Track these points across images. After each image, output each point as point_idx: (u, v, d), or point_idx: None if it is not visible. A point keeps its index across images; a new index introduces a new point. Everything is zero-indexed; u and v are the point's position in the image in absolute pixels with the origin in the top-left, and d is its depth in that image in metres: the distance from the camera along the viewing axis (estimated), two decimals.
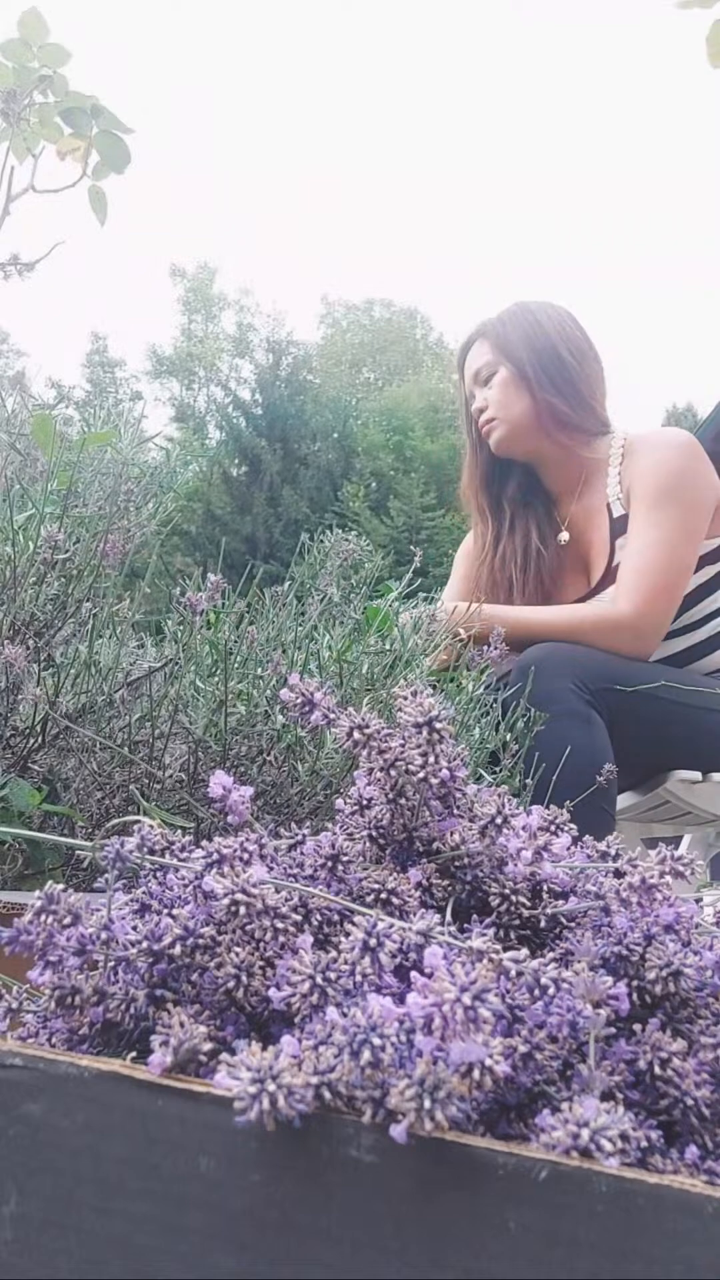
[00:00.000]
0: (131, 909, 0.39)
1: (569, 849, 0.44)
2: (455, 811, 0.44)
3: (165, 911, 0.38)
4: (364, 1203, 0.27)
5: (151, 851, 0.41)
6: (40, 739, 0.87)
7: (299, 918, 0.38)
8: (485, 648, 1.20)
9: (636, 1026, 0.36)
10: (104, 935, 0.37)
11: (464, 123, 46.79)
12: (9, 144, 1.24)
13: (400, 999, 0.32)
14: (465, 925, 0.41)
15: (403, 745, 0.43)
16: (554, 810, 0.46)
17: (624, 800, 1.53)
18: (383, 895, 0.40)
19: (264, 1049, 0.29)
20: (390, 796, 0.44)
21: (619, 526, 1.45)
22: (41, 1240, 0.29)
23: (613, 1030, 0.35)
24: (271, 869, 0.40)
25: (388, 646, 0.94)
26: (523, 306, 1.52)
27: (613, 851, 0.44)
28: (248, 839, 0.37)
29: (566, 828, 0.45)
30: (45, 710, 0.85)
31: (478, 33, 46.78)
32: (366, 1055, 0.29)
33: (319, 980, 0.33)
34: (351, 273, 44.28)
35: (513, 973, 0.33)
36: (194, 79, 44.98)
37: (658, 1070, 0.34)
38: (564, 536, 1.54)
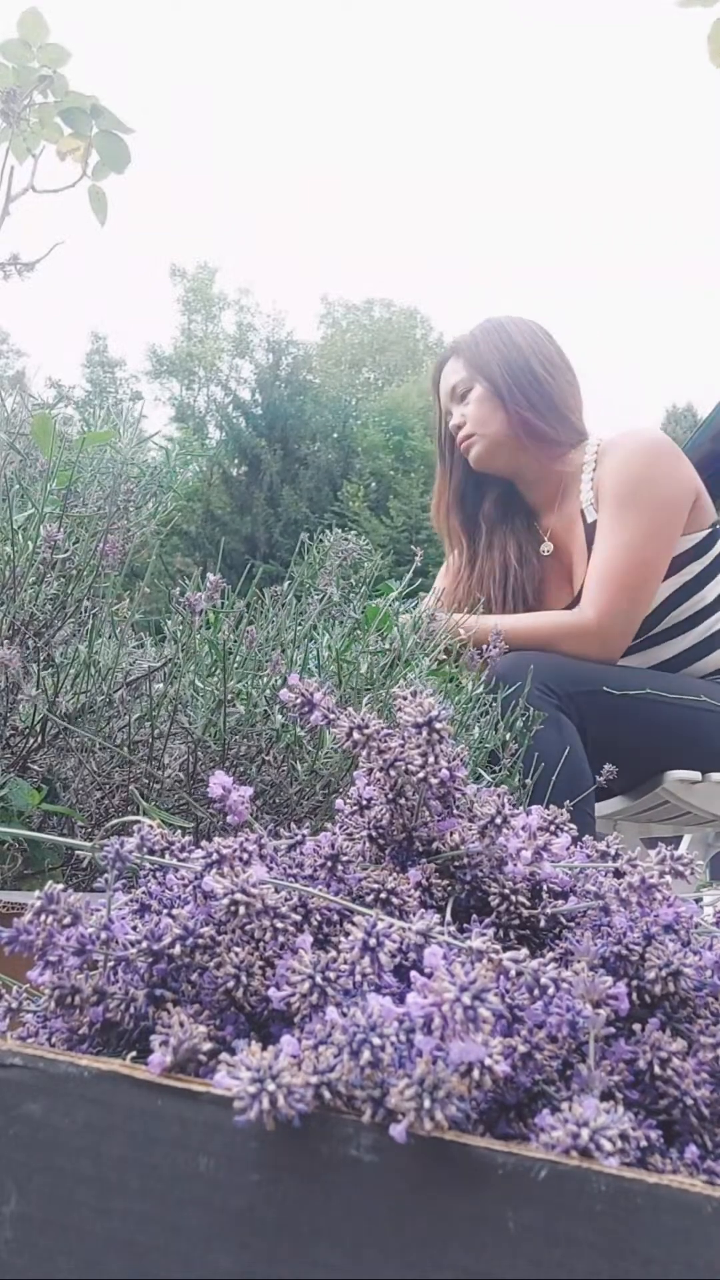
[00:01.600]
0: (131, 909, 0.39)
1: (568, 849, 0.44)
2: (455, 811, 0.44)
3: (165, 911, 0.38)
4: (364, 1203, 0.27)
5: (151, 851, 0.41)
6: (40, 739, 0.87)
7: (299, 918, 0.38)
8: (485, 648, 1.20)
9: (636, 1026, 0.36)
10: (104, 935, 0.37)
11: (464, 122, 46.82)
12: (9, 144, 1.25)
13: (400, 999, 0.32)
14: (465, 925, 0.41)
15: (402, 745, 0.43)
16: (553, 810, 0.46)
17: (621, 802, 1.53)
18: (382, 895, 0.40)
19: (264, 1049, 0.30)
20: (390, 796, 0.44)
21: (592, 532, 1.45)
22: (41, 1240, 0.29)
23: (612, 1030, 0.35)
24: (271, 869, 0.40)
25: (387, 646, 0.94)
26: (495, 322, 1.53)
27: (612, 851, 0.44)
28: (247, 839, 0.37)
29: (566, 828, 0.45)
30: (45, 710, 0.85)
31: (478, 32, 46.81)
32: (366, 1055, 0.29)
33: (319, 980, 0.33)
34: (351, 273, 44.29)
35: (512, 972, 0.33)
36: (194, 79, 44.99)
37: (657, 1070, 0.34)
38: (547, 548, 1.54)
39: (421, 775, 0.42)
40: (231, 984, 0.36)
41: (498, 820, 0.42)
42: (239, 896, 0.35)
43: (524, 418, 1.47)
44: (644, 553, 1.38)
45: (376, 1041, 0.29)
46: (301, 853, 0.42)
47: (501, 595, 1.54)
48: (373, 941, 0.34)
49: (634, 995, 0.37)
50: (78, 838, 0.85)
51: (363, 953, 0.34)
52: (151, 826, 0.41)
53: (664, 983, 0.37)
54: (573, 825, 0.46)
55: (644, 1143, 0.30)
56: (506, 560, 1.54)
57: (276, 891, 0.37)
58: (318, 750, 0.86)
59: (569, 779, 1.19)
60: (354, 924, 0.35)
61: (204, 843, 0.37)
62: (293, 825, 0.46)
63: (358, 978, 0.34)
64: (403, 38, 45.55)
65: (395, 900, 0.40)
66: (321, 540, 1.10)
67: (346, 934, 0.36)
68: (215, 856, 0.36)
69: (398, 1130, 0.27)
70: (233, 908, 0.35)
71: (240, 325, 22.39)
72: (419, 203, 45.10)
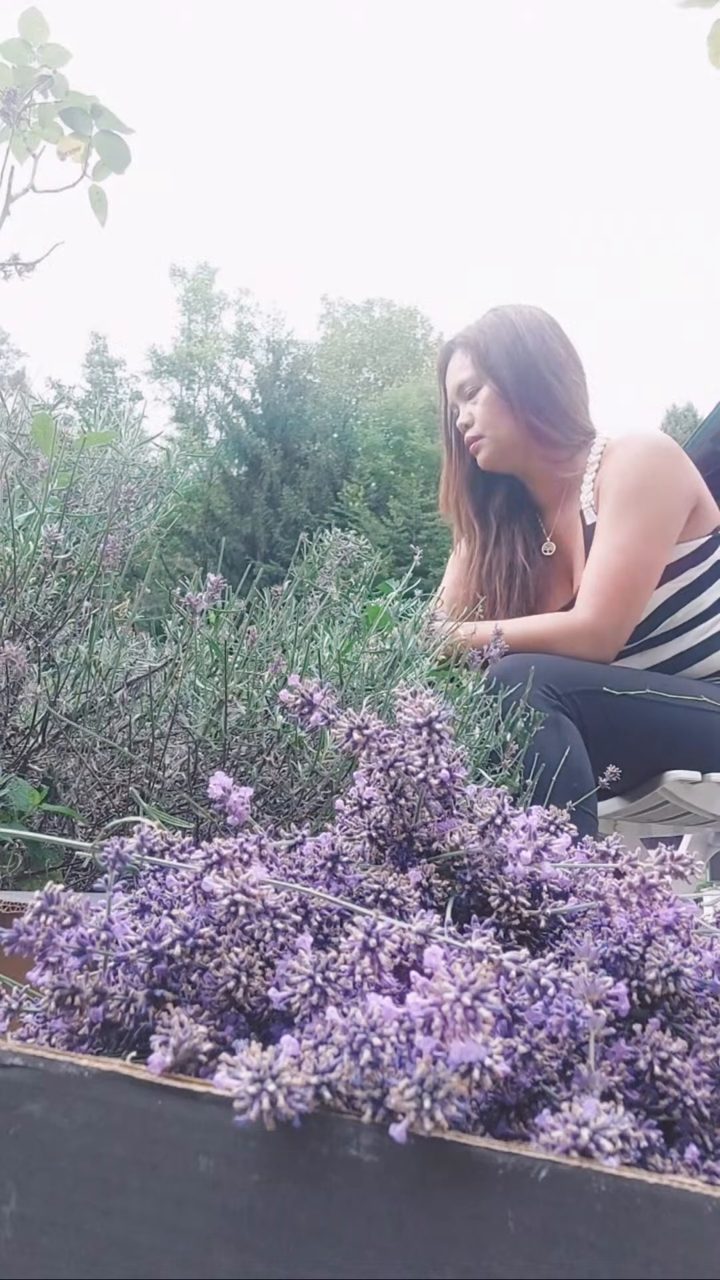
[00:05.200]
0: (131, 909, 0.39)
1: (568, 849, 0.44)
2: (455, 812, 0.44)
3: (165, 912, 0.38)
4: (364, 1203, 0.27)
5: (151, 852, 0.41)
6: (40, 739, 0.87)
7: (299, 918, 0.38)
8: (485, 649, 1.20)
9: (636, 1026, 0.36)
10: (104, 935, 0.37)
11: (464, 122, 46.82)
12: (9, 144, 1.24)
13: (400, 999, 0.32)
14: (465, 925, 0.41)
15: (402, 746, 0.43)
16: (554, 810, 0.46)
17: (621, 802, 1.53)
18: (382, 895, 0.40)
19: (264, 1049, 0.30)
20: (390, 797, 0.44)
21: (591, 533, 1.45)
22: (41, 1240, 0.29)
23: (612, 1030, 0.35)
24: (271, 869, 0.40)
25: (388, 646, 0.94)
26: (502, 316, 1.50)
27: (612, 851, 0.44)
28: (247, 839, 0.37)
29: (566, 828, 0.45)
30: (45, 710, 0.85)
31: (478, 31, 46.81)
32: (366, 1055, 0.29)
33: (319, 980, 0.33)
34: (351, 273, 44.25)
35: (512, 973, 0.33)
36: (194, 79, 44.98)
37: (658, 1070, 0.34)
38: (550, 547, 1.55)
39: (421, 776, 0.42)
40: (231, 984, 0.36)
41: (498, 821, 0.42)
42: (239, 897, 0.35)
43: (532, 423, 1.46)
44: (639, 556, 1.38)
45: (376, 1041, 0.29)
46: (301, 853, 0.42)
47: (506, 592, 1.54)
48: (373, 942, 0.34)
49: (634, 995, 0.37)
50: (78, 838, 0.85)
51: (363, 953, 0.34)
52: (152, 827, 0.41)
53: (664, 983, 0.37)
54: (573, 825, 0.46)
55: (644, 1143, 0.30)
56: (514, 557, 1.54)
57: (276, 892, 0.37)
58: (318, 751, 0.86)
59: (570, 779, 1.19)
60: (354, 924, 0.35)
61: (204, 843, 0.37)
62: (293, 826, 0.46)
63: (358, 978, 0.34)
64: (403, 37, 45.58)
65: (395, 900, 0.40)
66: (321, 540, 1.10)
67: (346, 934, 0.36)
68: (215, 857, 0.36)
69: (398, 1130, 0.27)
70: (233, 908, 0.35)
71: (240, 325, 22.39)
72: (419, 203, 45.11)
